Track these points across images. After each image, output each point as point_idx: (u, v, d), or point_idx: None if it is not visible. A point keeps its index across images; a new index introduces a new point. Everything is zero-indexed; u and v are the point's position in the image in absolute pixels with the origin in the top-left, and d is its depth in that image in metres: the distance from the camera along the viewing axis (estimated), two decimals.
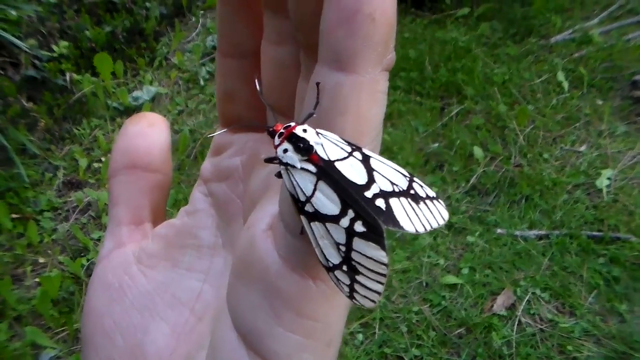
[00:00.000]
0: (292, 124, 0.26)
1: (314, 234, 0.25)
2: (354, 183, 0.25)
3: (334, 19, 0.22)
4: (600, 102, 2.31)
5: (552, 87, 2.39)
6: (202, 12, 3.06)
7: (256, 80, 0.30)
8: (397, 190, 0.26)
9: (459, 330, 1.61)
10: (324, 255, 0.25)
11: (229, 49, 0.33)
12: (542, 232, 1.84)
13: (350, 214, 0.25)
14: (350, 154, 0.25)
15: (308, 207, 0.25)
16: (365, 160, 0.25)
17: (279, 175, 0.27)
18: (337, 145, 0.25)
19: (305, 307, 0.26)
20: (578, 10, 2.85)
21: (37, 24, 2.41)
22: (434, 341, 1.58)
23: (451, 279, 1.72)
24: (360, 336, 1.59)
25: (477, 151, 2.10)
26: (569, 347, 1.55)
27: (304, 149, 0.25)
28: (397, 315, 1.64)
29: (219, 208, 0.36)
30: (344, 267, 0.25)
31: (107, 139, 2.29)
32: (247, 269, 0.27)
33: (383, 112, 0.25)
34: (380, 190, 0.26)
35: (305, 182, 0.25)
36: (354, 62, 0.22)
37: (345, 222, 0.25)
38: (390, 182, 0.26)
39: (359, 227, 0.25)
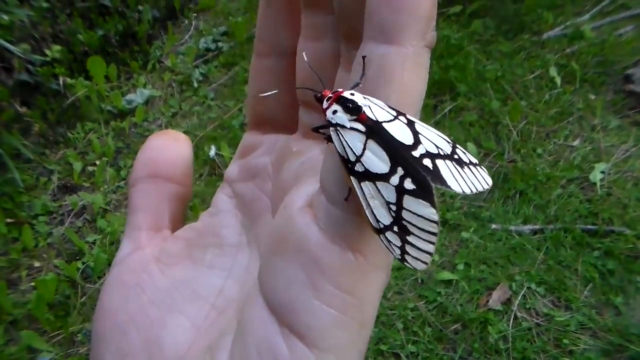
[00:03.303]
0: (340, 89, 0.27)
1: (364, 194, 0.25)
2: (402, 143, 0.26)
3: None
4: (592, 96, 2.32)
5: (544, 82, 2.39)
6: (194, 14, 3.06)
7: (303, 54, 0.31)
8: (441, 153, 0.27)
9: (454, 326, 1.61)
10: (375, 216, 0.25)
11: (268, 49, 0.35)
12: (537, 227, 1.85)
13: (400, 171, 0.26)
14: (395, 118, 0.26)
15: (358, 167, 0.26)
16: (410, 124, 0.26)
17: (328, 139, 0.27)
18: (383, 109, 0.25)
19: (343, 280, 0.25)
20: (569, 6, 2.85)
21: (30, 28, 2.41)
22: (430, 337, 1.58)
23: (446, 275, 1.72)
24: None
25: (471, 147, 2.10)
26: (565, 341, 1.55)
27: (353, 109, 0.26)
28: (393, 312, 1.64)
29: (244, 207, 0.36)
30: (395, 228, 0.25)
31: (101, 143, 2.29)
32: (284, 244, 0.27)
33: (425, 88, 0.26)
34: (427, 151, 0.26)
35: (354, 142, 0.26)
36: (399, 35, 0.24)
37: (395, 180, 0.25)
38: (435, 145, 0.27)
39: (408, 184, 0.25)
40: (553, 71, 2.38)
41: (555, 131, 2.19)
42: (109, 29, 2.66)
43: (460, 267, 1.74)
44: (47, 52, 2.44)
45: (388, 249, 0.26)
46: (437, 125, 2.22)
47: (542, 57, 2.51)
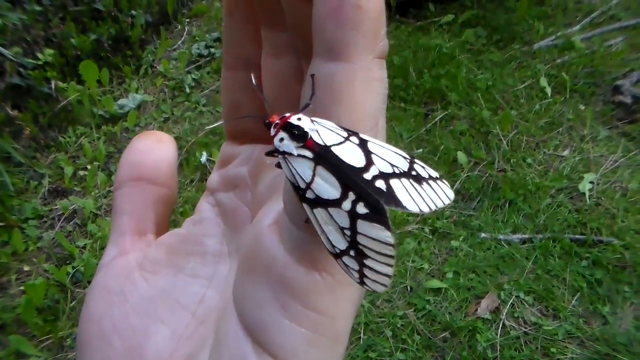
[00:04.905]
0: (287, 114, 0.27)
1: (317, 220, 0.25)
2: (352, 166, 0.25)
3: (322, 11, 0.23)
4: (582, 107, 2.34)
5: (535, 92, 2.41)
6: (187, 20, 3.07)
7: (252, 75, 0.31)
8: (397, 171, 0.26)
9: (443, 334, 1.62)
10: (330, 242, 0.25)
11: (235, 62, 0.34)
12: (526, 236, 1.86)
13: (351, 196, 0.25)
14: (346, 139, 0.25)
15: (309, 194, 0.25)
16: (362, 144, 0.25)
17: (278, 165, 0.27)
18: (333, 131, 0.25)
19: (311, 299, 0.25)
20: (560, 16, 2.88)
21: (22, 31, 2.40)
22: (419, 345, 1.59)
23: (435, 283, 1.73)
24: None
25: (461, 156, 2.11)
26: (553, 350, 1.56)
27: (299, 135, 0.25)
28: (382, 319, 1.65)
29: (226, 217, 0.36)
30: (351, 252, 0.25)
31: (92, 147, 2.29)
32: (254, 263, 0.27)
33: (381, 100, 0.25)
34: (380, 172, 0.26)
35: (303, 169, 0.25)
36: (345, 50, 0.23)
37: (347, 205, 0.25)
38: (390, 164, 0.26)
39: (361, 208, 0.25)
40: (543, 81, 2.40)
41: (545, 141, 2.20)
42: (101, 33, 2.65)
43: (450, 275, 1.75)
44: (40, 55, 2.43)
45: (346, 272, 0.25)
46: (428, 134, 2.24)
47: (532, 67, 2.53)
